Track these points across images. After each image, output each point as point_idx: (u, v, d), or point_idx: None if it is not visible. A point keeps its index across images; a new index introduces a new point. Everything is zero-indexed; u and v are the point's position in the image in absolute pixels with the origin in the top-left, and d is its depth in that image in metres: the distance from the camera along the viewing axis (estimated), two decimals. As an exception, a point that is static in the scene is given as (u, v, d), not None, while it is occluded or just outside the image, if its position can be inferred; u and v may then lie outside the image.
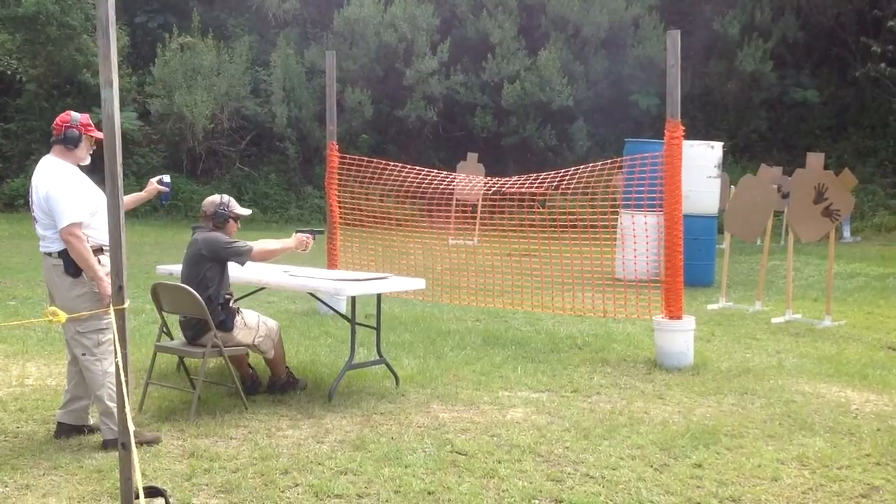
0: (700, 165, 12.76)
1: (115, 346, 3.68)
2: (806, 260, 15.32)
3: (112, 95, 3.56)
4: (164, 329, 6.59)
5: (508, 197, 11.11)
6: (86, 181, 5.17)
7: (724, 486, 4.63)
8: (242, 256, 6.12)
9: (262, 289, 7.57)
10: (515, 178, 10.43)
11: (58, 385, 6.41)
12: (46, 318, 3.99)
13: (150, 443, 5.15)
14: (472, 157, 20.16)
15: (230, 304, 6.18)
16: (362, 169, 10.79)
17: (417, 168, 10.93)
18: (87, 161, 5.25)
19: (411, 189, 11.03)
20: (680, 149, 7.60)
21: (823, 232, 10.07)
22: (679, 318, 7.58)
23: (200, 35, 25.22)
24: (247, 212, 6.45)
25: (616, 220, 11.98)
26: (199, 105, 23.58)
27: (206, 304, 5.91)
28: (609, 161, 9.70)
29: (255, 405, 6.10)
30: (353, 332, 6.54)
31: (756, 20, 25.57)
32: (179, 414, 5.86)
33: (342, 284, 6.47)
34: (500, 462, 4.96)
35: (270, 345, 6.37)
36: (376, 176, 10.95)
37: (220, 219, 6.23)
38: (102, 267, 4.95)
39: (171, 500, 4.21)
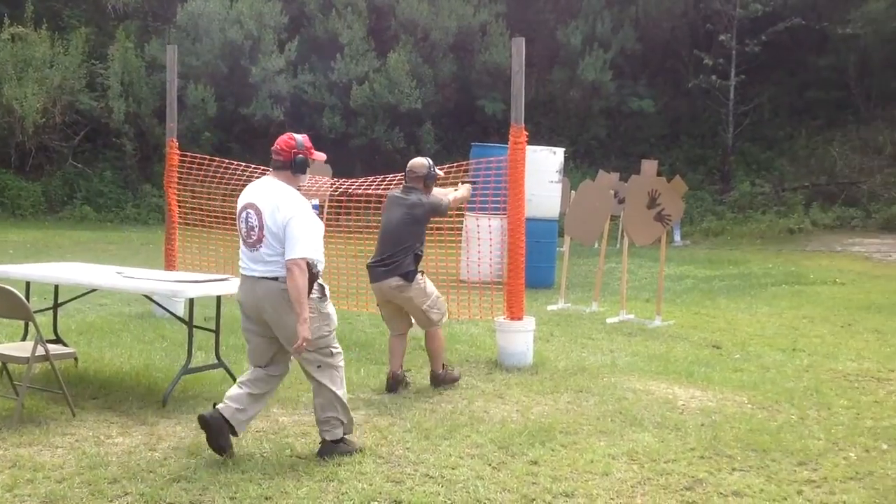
0: (543, 170, 13.06)
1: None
2: (640, 263, 15.95)
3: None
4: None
5: (355, 198, 11.07)
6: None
7: (558, 482, 4.76)
8: (445, 210, 6.96)
9: (94, 290, 7.24)
10: (363, 179, 10.41)
11: None
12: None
13: None
14: (320, 156, 19.96)
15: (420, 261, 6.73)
16: (204, 167, 10.52)
17: (263, 167, 10.73)
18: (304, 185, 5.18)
19: (255, 189, 10.78)
20: (523, 153, 7.76)
21: (656, 236, 10.51)
22: (520, 318, 7.74)
23: (33, 25, 23.95)
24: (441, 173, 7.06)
25: (461, 222, 12.12)
26: (29, 98, 22.45)
27: (414, 259, 6.64)
28: (455, 164, 9.81)
29: (84, 412, 5.84)
30: (191, 336, 6.36)
31: (597, 31, 26.50)
32: (1, 422, 5.54)
33: (180, 286, 6.28)
34: (339, 465, 4.92)
35: (439, 316, 6.83)
36: (219, 175, 10.70)
37: (432, 180, 6.84)
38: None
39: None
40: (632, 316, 10.45)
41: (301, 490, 4.55)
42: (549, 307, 11.18)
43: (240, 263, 5.14)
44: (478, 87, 26.40)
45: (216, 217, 11.14)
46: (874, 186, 23.17)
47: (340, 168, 19.33)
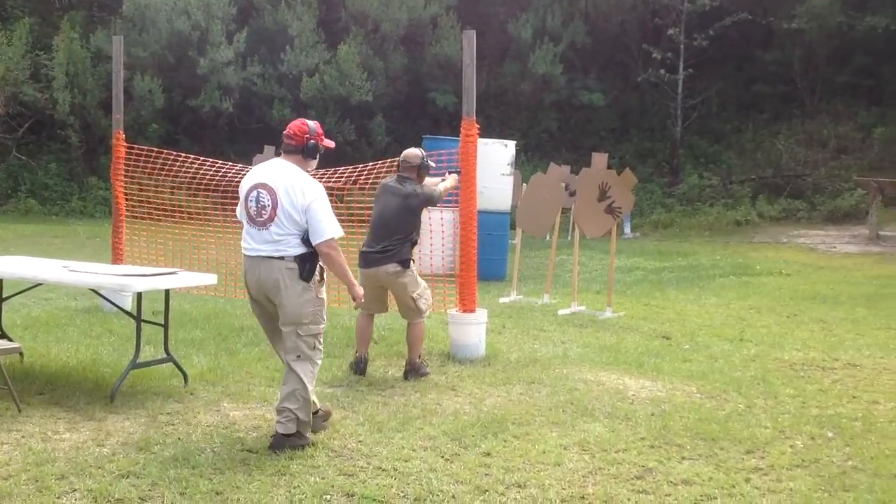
0: (494, 163, 13.07)
1: None
2: (590, 255, 16.09)
3: None
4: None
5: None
6: None
7: (511, 473, 4.78)
8: (438, 200, 7.20)
9: (39, 285, 7.11)
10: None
11: None
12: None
13: None
14: (269, 149, 19.75)
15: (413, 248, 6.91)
16: (151, 160, 10.39)
17: (211, 160, 10.65)
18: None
19: (204, 181, 10.75)
20: (475, 146, 7.77)
21: (606, 228, 10.60)
22: (472, 311, 7.75)
23: (-25, 16, 23.43)
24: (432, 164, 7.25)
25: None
26: (-29, 89, 21.92)
27: (411, 246, 6.82)
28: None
29: (30, 408, 5.73)
30: (139, 330, 6.26)
31: (547, 24, 26.61)
32: (-58, 420, 5.42)
33: (128, 280, 6.19)
34: (291, 459, 4.89)
35: (426, 306, 6.94)
36: (167, 167, 10.59)
37: (426, 170, 7.00)
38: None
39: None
40: (583, 307, 10.52)
41: (252, 484, 4.51)
42: (502, 299, 11.22)
43: (243, 244, 5.19)
44: (429, 79, 26.37)
45: (164, 210, 11.01)
46: (819, 179, 23.61)
47: (291, 160, 19.24)
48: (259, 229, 5.06)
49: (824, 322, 10.08)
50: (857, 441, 5.54)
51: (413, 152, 7.09)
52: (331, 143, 5.35)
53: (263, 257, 5.07)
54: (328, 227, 5.01)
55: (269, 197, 5.03)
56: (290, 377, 5.12)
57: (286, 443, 5.04)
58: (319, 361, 5.26)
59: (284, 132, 5.22)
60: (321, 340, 5.23)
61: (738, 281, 13.71)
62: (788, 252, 17.98)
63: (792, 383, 7.06)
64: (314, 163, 5.30)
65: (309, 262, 5.05)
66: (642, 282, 13.52)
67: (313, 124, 5.26)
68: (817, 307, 11.17)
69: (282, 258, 5.03)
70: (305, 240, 5.03)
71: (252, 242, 5.12)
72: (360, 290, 5.33)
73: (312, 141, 5.19)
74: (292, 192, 5.00)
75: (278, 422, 5.10)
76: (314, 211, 4.99)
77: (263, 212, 5.03)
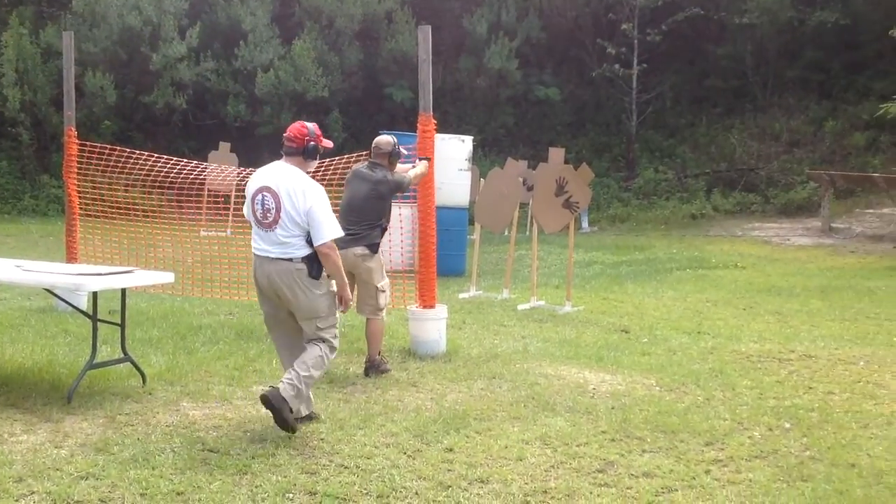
0: (452, 158, 13.09)
1: None
2: (549, 249, 16.15)
3: None
4: None
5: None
6: None
7: (473, 468, 4.79)
8: (407, 187, 7.24)
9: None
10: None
11: None
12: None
13: None
14: (225, 146, 19.64)
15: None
16: (105, 157, 10.24)
17: (166, 157, 10.52)
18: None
19: (159, 178, 10.62)
20: (432, 142, 7.77)
21: (564, 223, 10.65)
22: (432, 307, 7.76)
23: (-80, 11, 22.85)
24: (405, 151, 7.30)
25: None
26: (-83, 87, 21.39)
27: (380, 232, 6.90)
28: (364, 153, 9.74)
29: (-16, 412, 5.62)
30: (95, 330, 6.16)
31: (502, 19, 26.65)
32: None
33: (83, 279, 6.09)
34: (253, 458, 4.85)
35: (385, 302, 6.98)
36: (120, 164, 10.45)
37: (397, 157, 7.05)
38: None
39: None
40: (542, 302, 10.57)
41: (214, 484, 4.47)
42: (461, 295, 11.23)
43: (253, 244, 5.45)
44: (385, 74, 26.28)
45: (118, 207, 10.86)
46: (772, 172, 23.91)
47: (246, 157, 19.04)
48: (266, 231, 5.32)
49: (780, 314, 10.23)
50: (814, 431, 5.64)
51: (385, 139, 7.15)
52: (329, 144, 5.55)
53: (272, 258, 5.32)
54: (328, 230, 5.24)
55: (272, 200, 5.27)
56: (310, 348, 5.37)
57: (281, 404, 5.09)
58: (332, 356, 5.54)
59: (285, 135, 5.42)
60: (337, 337, 5.54)
61: (695, 274, 13.86)
62: (743, 245, 18.22)
63: (749, 375, 7.16)
64: (315, 163, 5.52)
65: (316, 261, 5.32)
66: (600, 276, 13.61)
67: (312, 126, 5.45)
68: (773, 299, 11.33)
69: (290, 260, 5.29)
70: (310, 240, 5.25)
71: (261, 243, 5.37)
72: (349, 295, 5.53)
73: (312, 143, 5.40)
74: (294, 195, 5.22)
75: (281, 380, 5.26)
76: (315, 213, 5.21)
77: (268, 214, 5.28)
